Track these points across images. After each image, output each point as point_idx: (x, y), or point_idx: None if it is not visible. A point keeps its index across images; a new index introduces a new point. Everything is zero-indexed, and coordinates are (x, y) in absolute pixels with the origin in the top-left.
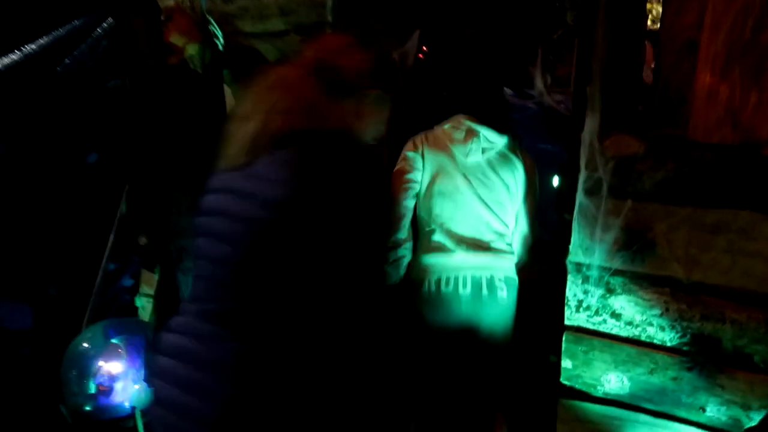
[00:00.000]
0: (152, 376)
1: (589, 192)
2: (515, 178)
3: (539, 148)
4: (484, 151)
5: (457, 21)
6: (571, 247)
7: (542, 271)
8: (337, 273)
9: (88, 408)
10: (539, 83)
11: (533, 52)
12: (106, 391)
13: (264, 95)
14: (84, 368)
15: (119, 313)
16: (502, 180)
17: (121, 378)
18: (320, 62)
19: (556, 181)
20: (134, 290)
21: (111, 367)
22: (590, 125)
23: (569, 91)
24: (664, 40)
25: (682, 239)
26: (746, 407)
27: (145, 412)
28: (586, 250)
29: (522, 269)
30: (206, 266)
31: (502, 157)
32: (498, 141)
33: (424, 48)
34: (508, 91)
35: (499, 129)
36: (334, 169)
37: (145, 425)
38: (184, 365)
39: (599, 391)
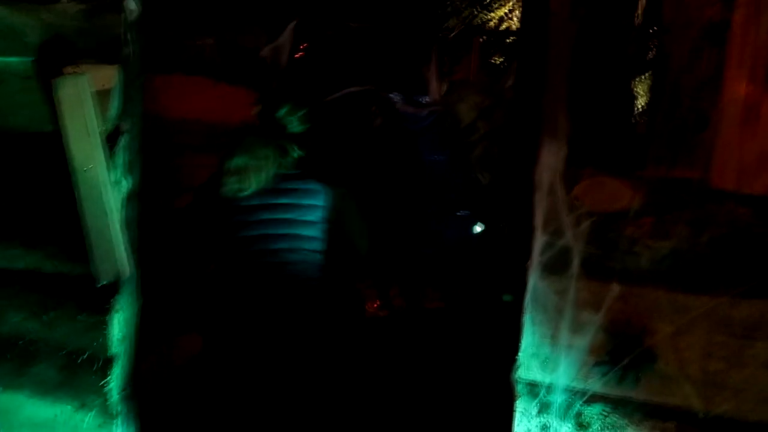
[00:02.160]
0: None
1: (550, 268)
2: None
3: (432, 159)
4: None
5: (340, 14)
6: (520, 356)
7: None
8: None
9: None
10: (434, 88)
11: (427, 54)
12: None
13: None
14: None
15: None
16: None
17: None
18: None
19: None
20: None
21: None
22: (550, 159)
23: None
24: (669, 19)
25: (698, 347)
26: None
27: None
28: (545, 362)
29: None
30: None
31: None
32: None
33: (302, 45)
34: (396, 96)
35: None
36: None
37: None
38: None
39: None
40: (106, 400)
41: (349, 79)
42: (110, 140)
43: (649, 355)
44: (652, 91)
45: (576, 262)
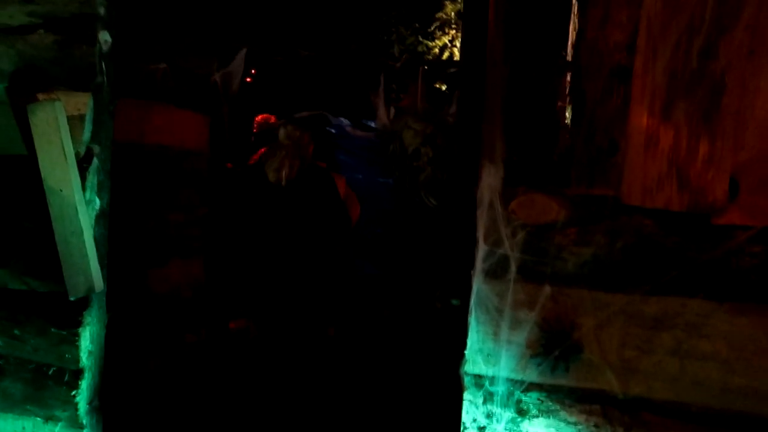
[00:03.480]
0: None
1: (491, 274)
2: None
3: (379, 181)
4: None
5: (290, 41)
6: (467, 352)
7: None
8: None
9: None
10: (382, 114)
11: (375, 80)
12: None
13: None
14: None
15: None
16: None
17: None
18: None
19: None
20: None
21: None
22: (489, 179)
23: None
24: (586, 61)
25: (616, 338)
26: None
27: None
28: (488, 356)
29: None
30: None
31: None
32: None
33: (252, 71)
34: (344, 121)
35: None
36: None
37: None
38: None
39: None
40: (74, 411)
41: (299, 103)
42: (83, 162)
43: (576, 346)
44: (573, 121)
45: (513, 268)
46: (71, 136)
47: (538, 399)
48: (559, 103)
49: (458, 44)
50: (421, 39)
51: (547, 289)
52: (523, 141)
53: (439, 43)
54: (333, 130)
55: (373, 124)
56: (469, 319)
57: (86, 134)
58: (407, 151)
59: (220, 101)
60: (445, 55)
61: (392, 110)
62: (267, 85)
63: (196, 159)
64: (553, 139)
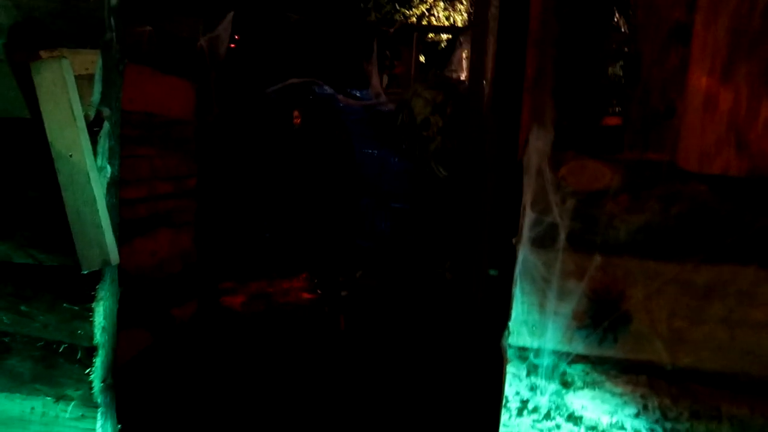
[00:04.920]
0: None
1: (538, 242)
2: None
3: (364, 152)
4: None
5: (280, 5)
6: (511, 324)
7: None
8: None
9: None
10: (375, 82)
11: (368, 47)
12: None
13: None
14: None
15: None
16: None
17: None
18: None
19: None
20: None
21: None
22: (538, 144)
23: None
24: (643, 19)
25: (666, 308)
26: None
27: None
28: (534, 328)
29: None
30: None
31: None
32: None
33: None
34: (327, 89)
35: None
36: None
37: None
38: None
39: None
40: (88, 390)
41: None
42: (93, 126)
43: (625, 317)
44: (627, 83)
45: (562, 237)
46: (80, 96)
47: (584, 371)
48: (613, 64)
49: (436, 13)
50: (398, 7)
51: (597, 259)
52: (574, 103)
53: (417, 11)
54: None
55: (359, 94)
56: (513, 289)
57: (96, 95)
58: (416, 120)
59: (207, 68)
60: (424, 22)
61: (385, 78)
62: (254, 51)
63: (183, 128)
64: (605, 102)
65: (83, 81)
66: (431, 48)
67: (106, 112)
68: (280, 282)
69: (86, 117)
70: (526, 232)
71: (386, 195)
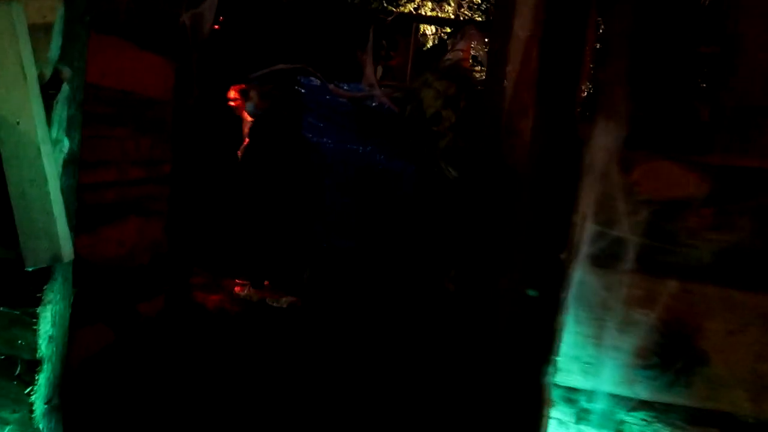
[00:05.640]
0: None
1: (599, 261)
2: None
3: (348, 148)
4: None
5: None
6: (558, 359)
7: None
8: None
9: None
10: (369, 73)
11: (363, 36)
12: None
13: None
14: None
15: None
16: None
17: None
18: None
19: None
20: None
21: None
22: (605, 140)
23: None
24: None
25: (751, 348)
26: None
27: None
28: (587, 365)
29: None
30: None
31: None
32: None
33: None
34: (313, 80)
35: None
36: None
37: None
38: None
39: None
40: (27, 413)
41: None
42: (48, 88)
43: (701, 357)
44: (721, 71)
45: (630, 255)
46: (33, 51)
47: (644, 419)
48: (704, 49)
49: (423, 12)
50: (385, 4)
51: (671, 284)
52: (651, 93)
53: (404, 9)
54: (303, 91)
55: (346, 87)
56: (560, 316)
57: (54, 51)
58: (426, 114)
59: (189, 46)
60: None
61: (380, 69)
62: (240, 34)
63: (160, 109)
64: (692, 94)
65: (39, 32)
66: (416, 49)
67: (66, 72)
68: (250, 280)
69: (40, 76)
70: (585, 248)
71: (369, 194)
